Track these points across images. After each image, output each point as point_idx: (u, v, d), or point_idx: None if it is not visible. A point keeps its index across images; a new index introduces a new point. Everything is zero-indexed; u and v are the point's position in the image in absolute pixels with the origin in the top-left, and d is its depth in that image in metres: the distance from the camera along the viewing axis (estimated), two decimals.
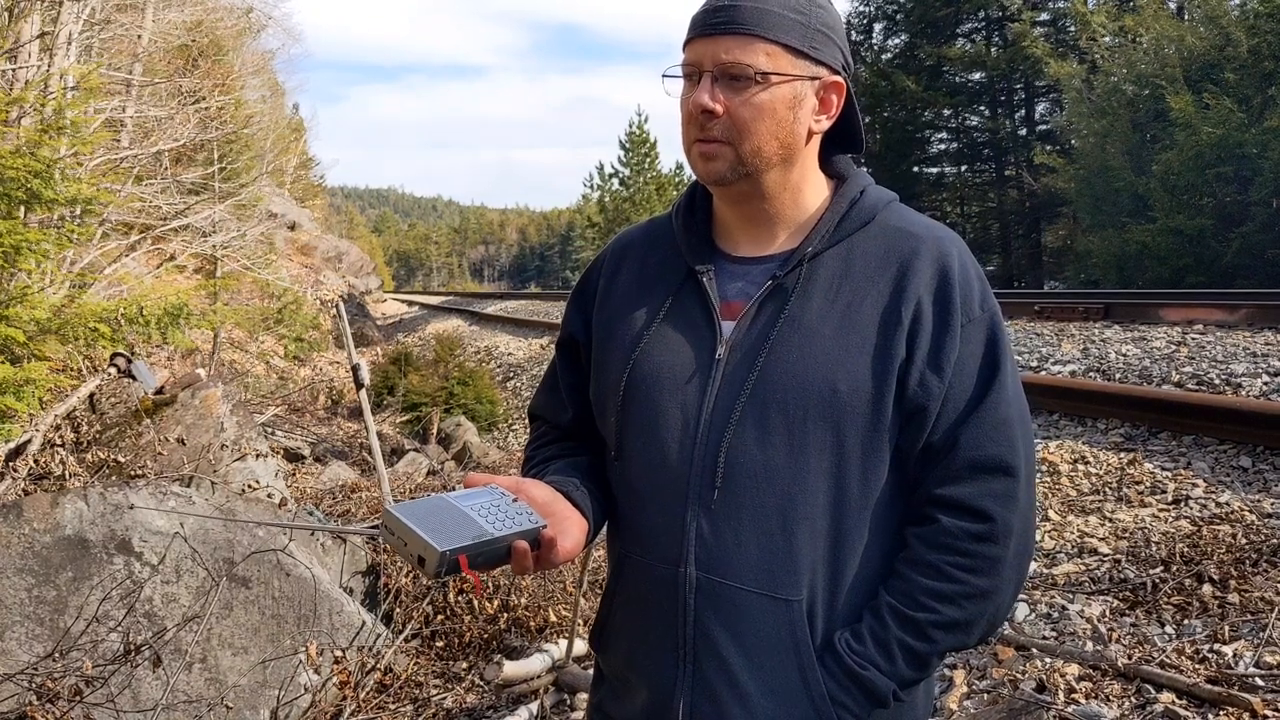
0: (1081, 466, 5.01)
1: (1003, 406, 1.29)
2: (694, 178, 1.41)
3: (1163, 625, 3.20)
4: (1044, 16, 31.01)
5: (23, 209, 6.55)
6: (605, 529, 1.47)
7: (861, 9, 34.26)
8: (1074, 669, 2.93)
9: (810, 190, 1.38)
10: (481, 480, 1.26)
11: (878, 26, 33.83)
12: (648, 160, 39.10)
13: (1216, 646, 2.96)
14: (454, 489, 1.29)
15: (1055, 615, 3.38)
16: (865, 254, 1.33)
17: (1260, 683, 2.70)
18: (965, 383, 1.29)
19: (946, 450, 1.28)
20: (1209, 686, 2.69)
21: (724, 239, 1.42)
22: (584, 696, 3.66)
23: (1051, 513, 4.43)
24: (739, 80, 1.28)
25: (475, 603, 4.26)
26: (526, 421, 12.20)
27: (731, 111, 1.28)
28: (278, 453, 6.93)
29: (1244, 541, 3.72)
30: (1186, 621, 3.19)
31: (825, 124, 1.35)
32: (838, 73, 1.34)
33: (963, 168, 34.63)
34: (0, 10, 8.62)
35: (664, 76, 1.35)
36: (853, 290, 1.30)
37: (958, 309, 1.29)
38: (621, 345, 1.39)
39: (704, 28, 1.30)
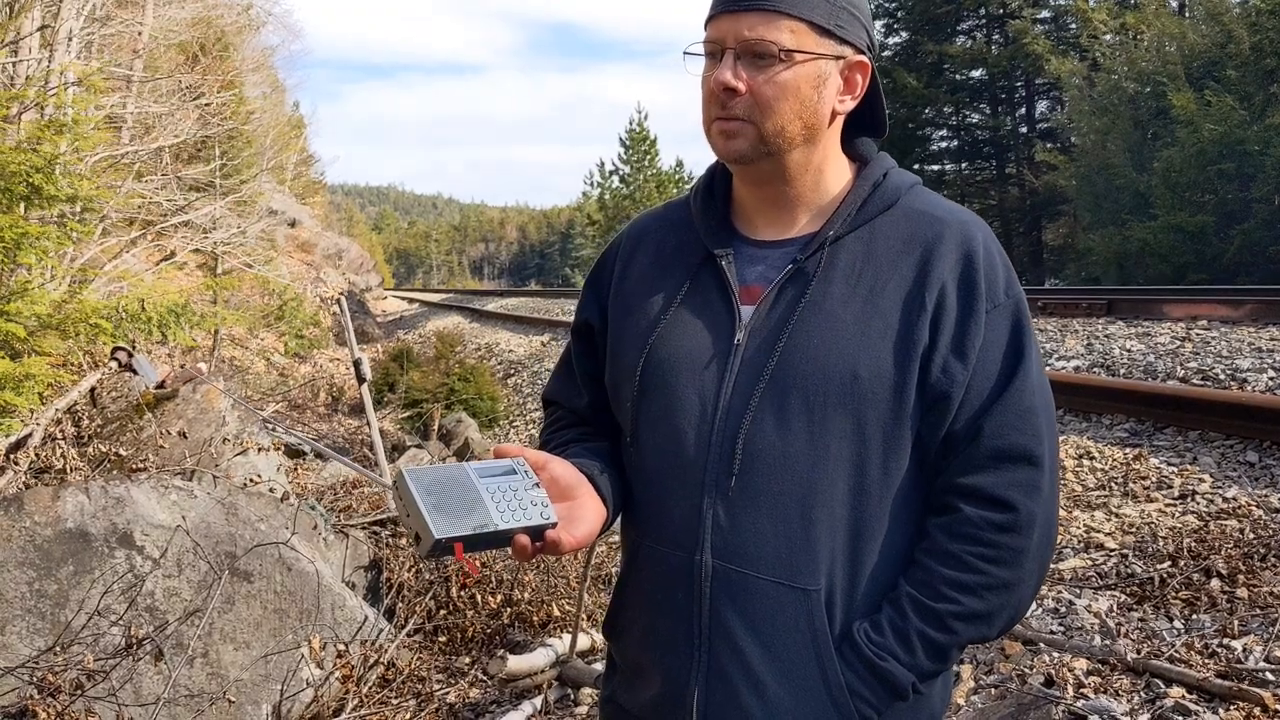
0: (1087, 462, 4.99)
1: (1027, 395, 1.26)
2: (712, 160, 1.39)
3: (1171, 620, 3.18)
4: (1045, 14, 30.98)
5: (23, 205, 6.52)
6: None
7: None
8: (1082, 663, 2.92)
9: (832, 172, 1.35)
10: (512, 452, 1.24)
11: (879, 23, 33.75)
12: (648, 158, 39.06)
13: (1226, 641, 2.94)
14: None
15: (1063, 610, 3.36)
16: (888, 238, 1.30)
17: (1271, 677, 2.68)
18: (989, 370, 1.26)
19: (969, 438, 1.25)
20: (1219, 681, 2.67)
21: (743, 222, 1.39)
22: (588, 691, 3.64)
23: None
24: (762, 58, 1.25)
25: (478, 597, 4.24)
26: (527, 418, 12.08)
27: (754, 90, 1.25)
28: (279, 448, 6.91)
29: (1251, 536, 3.71)
30: (1195, 616, 3.17)
31: (849, 105, 1.33)
32: (863, 53, 1.31)
33: (964, 165, 34.60)
34: (0, 5, 8.59)
35: (685, 54, 1.32)
36: (875, 274, 1.28)
37: (983, 294, 1.26)
38: (638, 330, 1.37)
39: (727, 4, 1.27)
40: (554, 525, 1.21)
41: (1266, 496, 4.14)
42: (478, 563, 4.29)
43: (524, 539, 1.19)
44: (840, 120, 1.34)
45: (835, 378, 1.24)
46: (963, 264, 1.27)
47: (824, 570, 1.26)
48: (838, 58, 1.29)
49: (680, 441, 1.30)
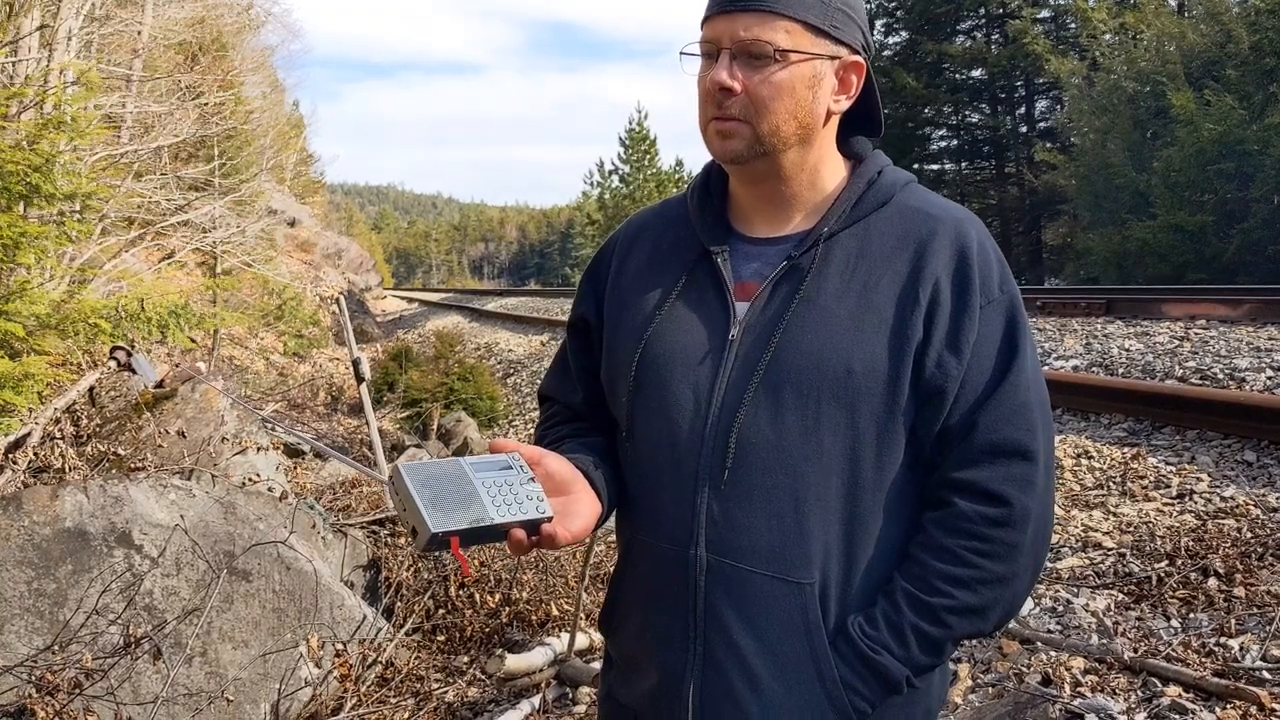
0: (1085, 461, 4.99)
1: (1022, 390, 1.27)
2: (708, 159, 1.39)
3: (1168, 619, 3.18)
4: (1044, 14, 30.98)
5: (22, 204, 6.52)
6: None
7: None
8: (1080, 662, 2.92)
9: (827, 171, 1.36)
10: (508, 448, 1.24)
11: (878, 23, 33.74)
12: (648, 157, 39.11)
13: (1223, 640, 2.94)
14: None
15: (1060, 609, 3.36)
16: (882, 234, 1.31)
17: (1268, 676, 2.68)
18: (984, 365, 1.27)
19: (964, 433, 1.26)
20: (1216, 680, 2.67)
21: (739, 220, 1.40)
22: (586, 690, 3.65)
23: (1055, 507, 4.40)
24: (758, 58, 1.26)
25: (477, 596, 4.25)
26: (527, 417, 12.06)
27: (750, 90, 1.26)
28: (277, 448, 6.91)
29: (1249, 535, 3.71)
30: (1192, 615, 3.17)
31: (844, 104, 1.34)
32: (858, 53, 1.32)
33: (963, 165, 34.63)
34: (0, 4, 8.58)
35: (682, 54, 1.33)
36: (869, 270, 1.29)
37: (976, 290, 1.27)
38: (634, 325, 1.38)
39: (723, 4, 1.27)
40: (550, 519, 1.22)
41: (1264, 496, 4.14)
42: (472, 563, 4.30)
43: (520, 533, 1.20)
44: (835, 120, 1.35)
45: (829, 372, 1.24)
46: (957, 260, 1.28)
47: (818, 564, 1.26)
48: (833, 58, 1.29)
49: (675, 436, 1.30)
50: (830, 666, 1.25)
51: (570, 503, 1.27)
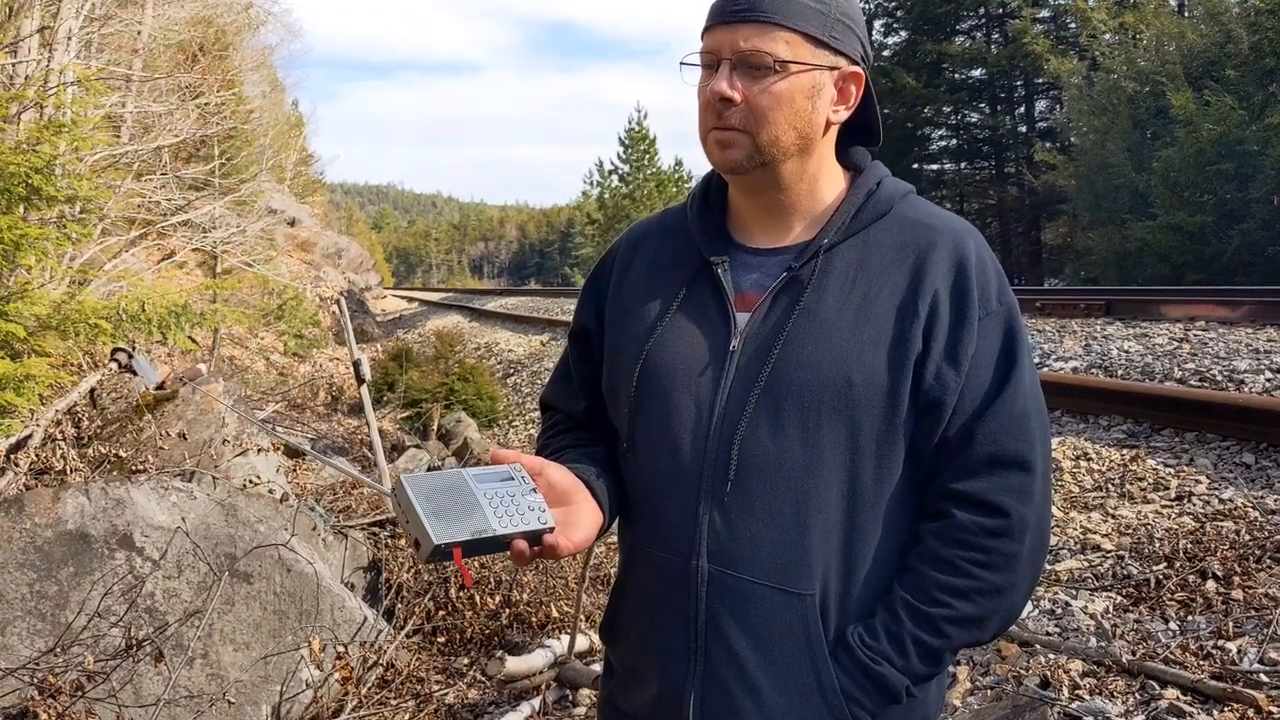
0: (1084, 463, 5.00)
1: (1020, 400, 1.28)
2: (708, 168, 1.40)
3: (1166, 621, 3.19)
4: (1044, 13, 30.98)
5: (22, 206, 6.53)
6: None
7: (862, 6, 34.10)
8: (1078, 665, 2.93)
9: (827, 181, 1.37)
10: (509, 458, 1.25)
11: (878, 23, 33.74)
12: (647, 157, 39.10)
13: (1221, 643, 2.95)
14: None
15: (1059, 611, 3.37)
16: (882, 246, 1.32)
17: (1265, 679, 2.69)
18: (982, 376, 1.28)
19: (962, 444, 1.27)
20: (1213, 683, 2.68)
21: (739, 230, 1.41)
22: (586, 692, 3.66)
23: (1054, 509, 4.42)
24: (758, 69, 1.27)
25: (477, 598, 4.26)
26: (527, 418, 12.01)
27: (749, 100, 1.27)
28: (278, 449, 6.91)
29: (1247, 538, 3.71)
30: (1190, 618, 3.18)
31: (843, 115, 1.34)
32: (857, 63, 1.33)
33: (962, 165, 34.59)
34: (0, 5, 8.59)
35: (682, 65, 1.34)
36: (869, 282, 1.29)
37: (975, 302, 1.28)
38: (635, 336, 1.39)
39: (723, 15, 1.28)
40: (551, 530, 1.23)
41: (1263, 498, 4.14)
42: (472, 566, 4.31)
43: (522, 543, 1.20)
44: (834, 130, 1.36)
45: (829, 384, 1.25)
46: (955, 271, 1.29)
47: (818, 575, 1.27)
48: (832, 68, 1.30)
49: (677, 447, 1.31)
50: (830, 677, 1.26)
51: (572, 513, 1.28)
